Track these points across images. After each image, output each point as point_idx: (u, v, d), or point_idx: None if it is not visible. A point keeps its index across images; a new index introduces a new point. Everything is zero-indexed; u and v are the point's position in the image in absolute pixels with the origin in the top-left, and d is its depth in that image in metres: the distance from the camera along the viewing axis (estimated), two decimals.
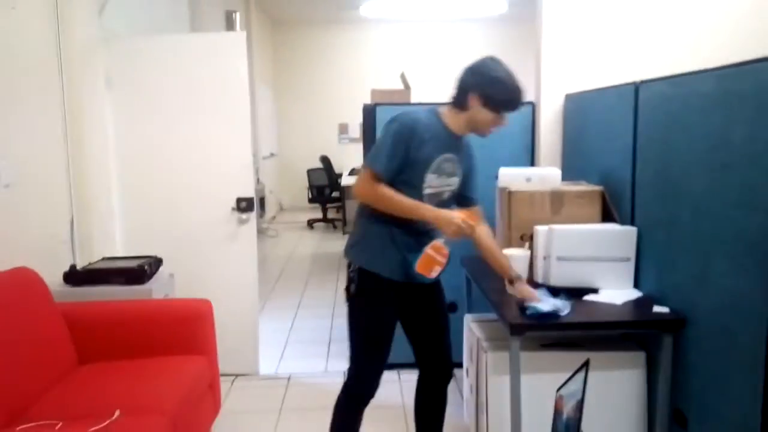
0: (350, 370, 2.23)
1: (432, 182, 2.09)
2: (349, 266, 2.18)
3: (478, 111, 2.04)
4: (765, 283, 1.60)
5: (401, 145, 2.02)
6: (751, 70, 1.67)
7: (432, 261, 1.99)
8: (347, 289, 2.19)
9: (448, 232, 1.98)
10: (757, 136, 1.63)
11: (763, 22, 3.10)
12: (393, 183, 2.05)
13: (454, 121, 2.10)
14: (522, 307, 2.08)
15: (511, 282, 2.18)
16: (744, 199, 1.70)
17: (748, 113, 1.67)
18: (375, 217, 2.11)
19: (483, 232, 2.20)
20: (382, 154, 2.03)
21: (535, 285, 2.38)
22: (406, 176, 2.06)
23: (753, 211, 1.65)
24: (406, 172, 2.05)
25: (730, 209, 1.76)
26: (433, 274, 2.01)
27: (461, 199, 2.24)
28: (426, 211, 2.03)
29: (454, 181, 2.17)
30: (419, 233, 2.13)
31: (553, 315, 2.04)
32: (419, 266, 2.00)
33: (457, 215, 2.00)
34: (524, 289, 2.15)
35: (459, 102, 2.07)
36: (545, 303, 2.08)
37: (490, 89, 2.01)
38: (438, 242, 1.99)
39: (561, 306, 2.07)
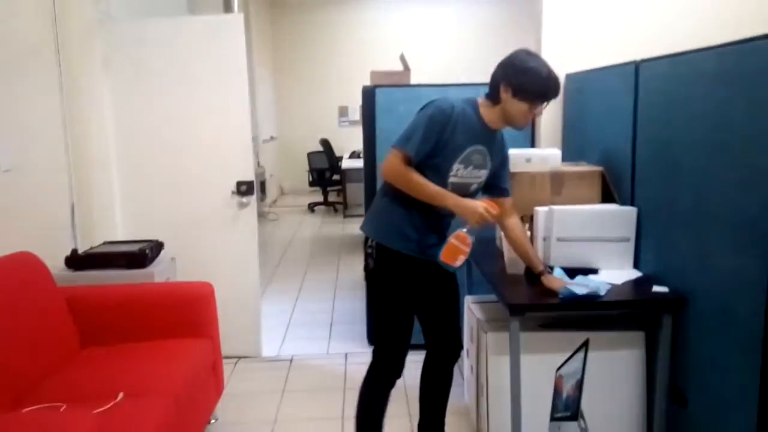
0: (375, 350, 2.24)
1: (458, 172, 2.09)
2: (366, 241, 2.19)
3: (509, 103, 2.03)
4: (764, 262, 1.61)
5: (436, 129, 2.02)
6: (752, 49, 1.65)
7: (456, 250, 2.01)
8: (365, 266, 2.21)
9: (471, 221, 2.00)
10: (758, 115, 1.62)
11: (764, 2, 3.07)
12: (420, 167, 2.06)
13: (489, 114, 2.10)
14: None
15: (540, 275, 2.19)
16: (744, 178, 1.69)
17: (749, 92, 1.66)
18: (397, 197, 2.12)
19: (513, 224, 2.24)
20: (416, 137, 2.03)
21: None
22: (434, 162, 2.06)
23: (753, 191, 1.65)
24: (435, 158, 2.06)
25: (730, 189, 1.76)
26: (458, 264, 2.02)
27: (493, 189, 2.24)
28: (449, 199, 2.04)
29: (483, 174, 2.16)
30: (438, 218, 2.16)
31: (592, 296, 2.06)
32: (444, 255, 2.01)
33: (479, 204, 2.01)
34: (553, 281, 2.16)
35: (492, 95, 2.08)
36: (580, 287, 2.10)
37: (519, 79, 2.00)
38: (461, 232, 2.01)
39: (598, 287, 2.10)
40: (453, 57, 9.33)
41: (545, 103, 2.05)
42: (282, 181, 10.13)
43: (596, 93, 2.82)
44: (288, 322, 4.16)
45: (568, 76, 3.17)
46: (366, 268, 2.22)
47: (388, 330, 2.20)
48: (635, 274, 2.28)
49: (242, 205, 3.41)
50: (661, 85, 2.18)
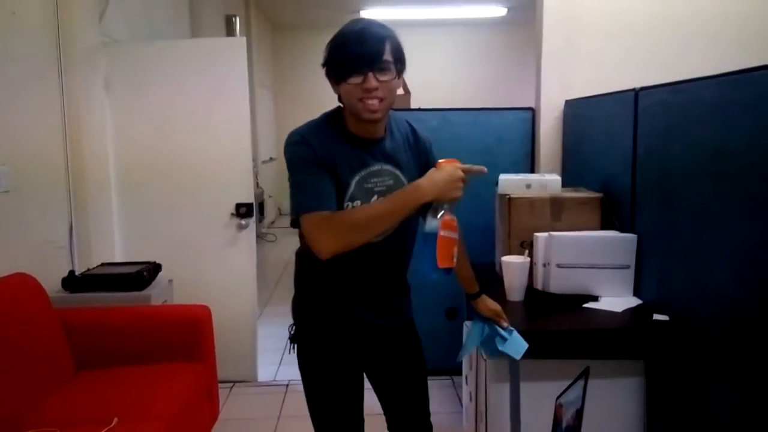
0: None
1: None
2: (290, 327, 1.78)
3: (340, 93, 1.55)
4: (763, 291, 1.60)
5: (310, 167, 1.52)
6: (750, 78, 1.66)
7: (450, 243, 1.52)
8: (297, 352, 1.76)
9: (457, 195, 1.51)
10: (757, 145, 1.63)
11: (763, 30, 3.10)
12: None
13: (350, 120, 1.58)
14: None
15: (475, 297, 1.91)
16: (743, 207, 1.69)
17: (748, 121, 1.66)
18: (313, 270, 1.66)
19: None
20: (301, 193, 1.52)
21: (535, 293, 2.37)
22: None
23: (752, 220, 1.65)
24: None
25: (729, 217, 1.76)
26: (454, 261, 1.54)
27: None
28: (415, 193, 1.49)
29: None
30: (377, 271, 1.66)
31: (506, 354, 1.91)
32: (441, 259, 1.51)
33: (451, 168, 1.52)
34: (488, 304, 1.91)
35: (338, 98, 1.59)
36: (501, 340, 1.91)
37: (325, 59, 1.53)
38: (447, 217, 1.52)
39: (515, 350, 1.90)
40: (453, 82, 9.40)
41: (368, 72, 1.46)
42: (280, 202, 10.13)
43: (596, 120, 2.83)
44: (285, 345, 4.10)
45: (568, 102, 3.19)
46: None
47: (326, 425, 1.73)
48: (635, 301, 2.27)
49: (241, 228, 3.40)
50: (661, 112, 2.19)
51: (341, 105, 1.60)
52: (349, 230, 1.48)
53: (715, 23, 3.14)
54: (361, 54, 1.46)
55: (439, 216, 1.51)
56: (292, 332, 1.75)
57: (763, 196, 1.60)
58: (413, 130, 1.72)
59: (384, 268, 1.68)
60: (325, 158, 1.52)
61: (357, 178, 1.56)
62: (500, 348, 1.91)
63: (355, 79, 1.47)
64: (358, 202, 1.56)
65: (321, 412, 1.72)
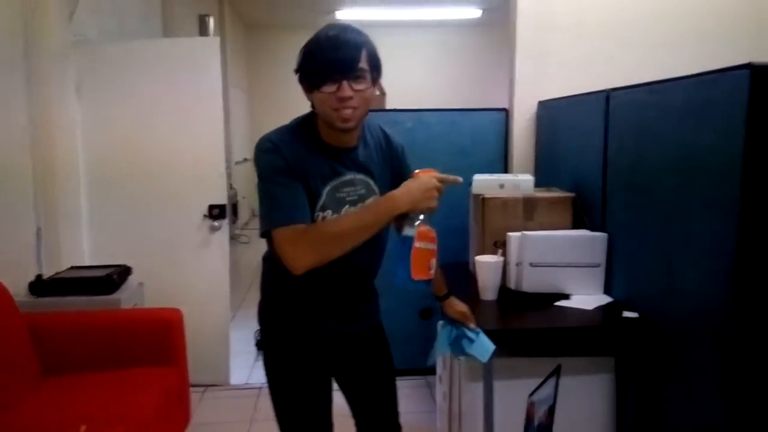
0: None
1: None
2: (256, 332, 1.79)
3: (313, 101, 1.51)
4: (731, 289, 1.63)
5: (281, 176, 1.46)
6: (716, 80, 1.69)
7: (426, 255, 1.48)
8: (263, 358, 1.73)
9: (432, 204, 1.47)
10: (725, 145, 1.65)
11: (732, 31, 3.17)
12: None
13: (323, 129, 1.54)
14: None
15: (443, 299, 1.90)
16: (711, 207, 1.72)
17: (717, 122, 1.69)
18: (280, 276, 1.56)
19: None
20: (272, 205, 1.47)
21: (508, 292, 2.39)
22: None
23: (720, 219, 1.67)
24: None
25: (697, 217, 1.79)
26: (432, 272, 1.50)
27: None
28: (391, 203, 1.46)
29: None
30: (345, 281, 1.64)
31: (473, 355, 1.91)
32: (416, 270, 1.46)
33: (426, 177, 1.48)
34: (456, 305, 1.90)
35: (311, 105, 1.55)
36: (468, 342, 1.91)
37: (298, 67, 1.50)
38: (423, 227, 1.47)
39: (484, 353, 1.90)
40: (428, 83, 9.42)
41: (344, 81, 1.42)
42: (254, 204, 10.04)
43: (568, 120, 2.86)
44: (256, 348, 4.09)
45: (541, 103, 3.22)
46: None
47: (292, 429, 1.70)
48: (606, 299, 2.30)
49: (214, 229, 3.37)
50: (631, 113, 2.22)
51: (313, 112, 1.57)
52: (324, 244, 1.44)
53: (688, 23, 3.19)
54: (335, 61, 1.41)
55: (414, 226, 1.47)
56: (258, 338, 1.72)
57: (730, 196, 1.62)
58: (386, 136, 1.69)
59: (352, 277, 1.65)
60: (296, 167, 1.47)
61: (328, 187, 1.53)
62: (467, 350, 1.91)
63: (329, 88, 1.43)
64: (329, 212, 1.53)
65: (289, 419, 1.69)
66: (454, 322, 1.96)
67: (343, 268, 1.55)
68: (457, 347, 1.95)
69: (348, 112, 1.45)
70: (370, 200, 1.59)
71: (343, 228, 1.47)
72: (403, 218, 1.50)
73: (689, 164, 1.82)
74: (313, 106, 1.53)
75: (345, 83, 1.42)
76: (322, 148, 1.54)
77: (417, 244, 1.46)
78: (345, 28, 1.46)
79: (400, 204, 1.45)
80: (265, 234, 1.50)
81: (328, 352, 1.70)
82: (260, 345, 1.72)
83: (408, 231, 1.48)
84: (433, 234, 1.49)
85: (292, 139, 1.52)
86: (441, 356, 2.09)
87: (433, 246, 1.50)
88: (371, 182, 1.61)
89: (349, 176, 1.56)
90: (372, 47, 1.48)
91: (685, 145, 1.84)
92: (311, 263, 1.44)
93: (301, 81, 1.50)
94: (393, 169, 1.68)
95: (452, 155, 3.32)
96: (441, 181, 1.49)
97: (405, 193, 1.46)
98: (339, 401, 1.80)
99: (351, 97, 1.43)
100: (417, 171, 1.53)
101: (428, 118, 3.42)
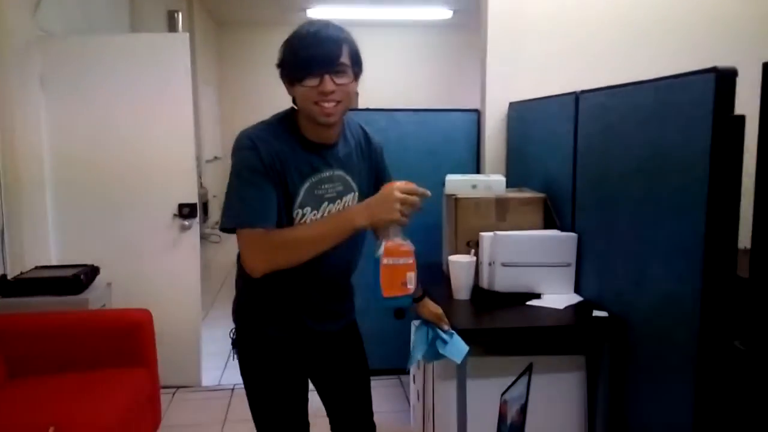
0: None
1: (310, 218, 1.54)
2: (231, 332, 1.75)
3: (294, 95, 1.51)
4: (697, 287, 1.67)
5: (255, 176, 1.46)
6: (683, 83, 1.73)
7: (397, 271, 1.42)
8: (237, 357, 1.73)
9: (394, 218, 1.40)
10: (688, 146, 1.70)
11: (697, 36, 3.24)
12: None
13: (304, 124, 1.54)
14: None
15: (418, 300, 1.88)
16: (677, 205, 1.76)
17: (682, 123, 1.73)
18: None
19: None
20: (238, 203, 1.47)
21: (481, 291, 2.41)
22: None
23: (686, 217, 1.72)
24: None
25: (664, 215, 1.83)
26: (411, 287, 1.44)
27: None
28: (347, 216, 1.46)
29: (350, 201, 1.61)
30: (322, 281, 1.62)
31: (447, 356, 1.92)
32: (386, 288, 1.41)
33: (388, 189, 1.42)
34: (431, 307, 1.90)
35: (292, 100, 1.55)
36: (442, 343, 1.92)
37: (280, 63, 1.51)
38: (391, 241, 1.42)
39: (458, 353, 1.91)
40: (401, 82, 9.43)
41: (324, 74, 1.43)
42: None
43: (538, 122, 2.90)
44: (229, 349, 4.04)
45: (512, 105, 3.25)
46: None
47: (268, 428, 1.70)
48: (576, 298, 2.33)
49: (184, 228, 3.32)
50: (600, 115, 2.26)
51: (294, 107, 1.56)
52: (278, 252, 1.45)
53: (659, 25, 3.26)
54: (317, 56, 1.42)
55: (379, 244, 1.42)
56: (233, 337, 1.71)
57: (696, 196, 1.67)
58: (366, 135, 1.70)
59: (329, 276, 1.64)
60: (273, 165, 1.47)
61: (307, 184, 1.53)
62: (441, 351, 1.92)
63: (311, 82, 1.44)
64: (308, 209, 1.53)
65: (266, 418, 1.69)
66: (428, 323, 1.97)
67: (320, 267, 1.54)
68: (431, 351, 1.95)
69: (330, 105, 1.45)
70: (347, 197, 1.60)
71: (300, 238, 1.47)
72: (382, 231, 1.47)
73: (657, 165, 1.86)
74: (294, 101, 1.53)
75: (327, 77, 1.43)
76: (303, 144, 1.53)
77: (384, 261, 1.41)
78: (326, 24, 1.47)
79: (357, 219, 1.44)
80: (226, 229, 1.50)
81: (304, 351, 1.69)
82: (235, 343, 1.71)
83: (377, 247, 1.44)
84: (406, 248, 1.43)
85: (272, 135, 1.51)
86: (419, 359, 2.09)
87: (407, 260, 1.43)
88: (350, 179, 1.61)
89: (328, 173, 1.56)
90: (353, 43, 1.50)
91: (653, 146, 1.89)
92: (266, 269, 1.46)
93: (283, 76, 1.50)
94: (371, 168, 1.69)
95: (424, 155, 3.34)
96: (407, 193, 1.41)
97: (363, 208, 1.45)
98: (315, 401, 1.80)
99: (333, 91, 1.44)
100: (390, 183, 1.46)
101: (401, 117, 3.43)
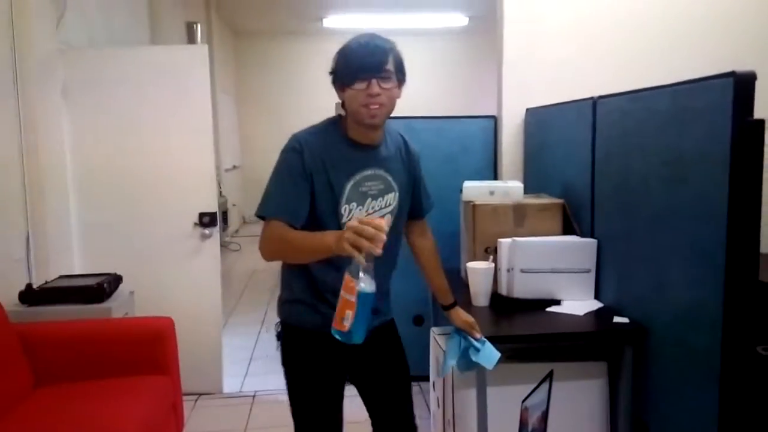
0: None
1: (352, 214, 1.68)
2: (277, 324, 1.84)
3: (344, 99, 1.66)
4: (719, 292, 1.65)
5: (294, 177, 1.63)
6: (701, 88, 1.73)
7: (343, 304, 1.40)
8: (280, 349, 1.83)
9: (346, 253, 1.39)
10: (708, 151, 1.69)
11: (714, 41, 3.22)
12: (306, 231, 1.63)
13: (350, 126, 1.70)
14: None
15: (450, 308, 1.98)
16: (697, 211, 1.75)
17: (701, 128, 1.73)
18: (299, 270, 1.74)
19: (424, 246, 1.97)
20: (272, 195, 1.64)
21: (500, 298, 2.41)
22: (317, 217, 1.65)
23: (706, 223, 1.70)
24: (316, 211, 1.65)
25: (684, 221, 1.82)
26: (346, 324, 1.39)
27: (412, 211, 1.88)
28: (324, 239, 1.50)
29: (391, 198, 1.75)
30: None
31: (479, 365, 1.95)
32: (336, 319, 1.41)
33: (349, 225, 1.40)
34: (462, 315, 1.98)
35: (341, 104, 1.70)
36: (479, 354, 1.94)
37: (332, 68, 1.68)
38: (347, 277, 1.40)
39: (485, 360, 1.93)
40: (416, 90, 9.38)
41: (372, 79, 1.58)
42: (244, 211, 10.03)
43: (556, 127, 2.89)
44: (250, 356, 4.08)
45: (529, 110, 3.25)
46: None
47: (308, 424, 1.80)
48: (596, 305, 2.32)
49: (204, 237, 3.36)
50: (618, 120, 2.25)
51: (340, 115, 1.73)
52: (276, 245, 1.62)
53: (676, 29, 3.24)
54: (366, 63, 1.59)
55: (346, 273, 1.40)
56: (278, 330, 1.81)
57: (716, 201, 1.65)
58: (405, 142, 1.85)
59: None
60: (315, 167, 1.63)
61: (352, 182, 1.67)
62: (474, 359, 1.94)
63: (360, 85, 1.60)
64: (354, 204, 1.68)
65: (302, 413, 1.79)
66: (461, 332, 1.99)
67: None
68: (463, 360, 1.97)
69: (376, 107, 1.61)
70: (389, 196, 1.75)
71: (288, 241, 1.60)
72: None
73: (676, 170, 1.85)
74: (343, 105, 1.69)
75: (374, 81, 1.59)
76: (349, 145, 1.70)
77: (340, 292, 1.41)
78: (374, 35, 1.66)
79: (330, 242, 1.46)
80: (258, 216, 1.66)
81: (343, 347, 1.63)
82: (280, 336, 1.81)
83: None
84: (352, 285, 1.38)
85: (320, 137, 1.69)
86: (451, 367, 2.09)
87: (350, 298, 1.38)
88: (390, 179, 1.75)
89: (371, 171, 1.71)
90: (398, 53, 1.67)
91: (672, 151, 1.88)
92: (266, 256, 1.65)
93: (335, 81, 1.68)
94: (410, 172, 1.84)
95: (441, 162, 3.34)
96: (361, 233, 1.35)
97: (338, 234, 1.44)
98: (351, 407, 1.84)
99: (379, 94, 1.60)
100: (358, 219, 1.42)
101: (417, 125, 3.43)
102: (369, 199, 1.70)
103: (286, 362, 1.81)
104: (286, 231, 1.60)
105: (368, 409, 1.91)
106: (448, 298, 1.99)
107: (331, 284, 1.63)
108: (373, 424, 1.92)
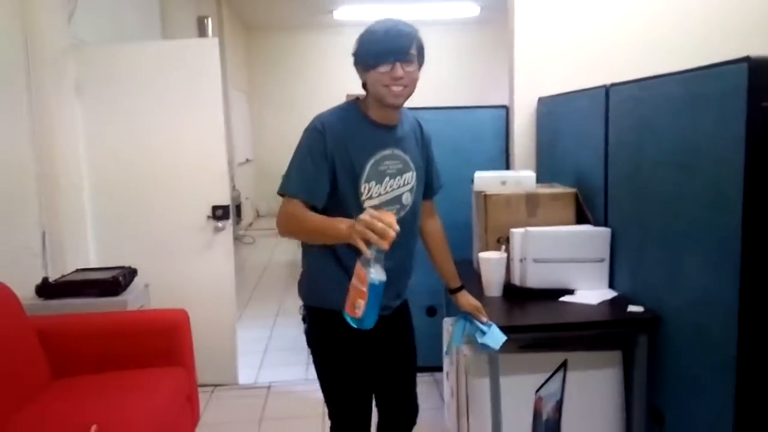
0: (331, 426, 1.92)
1: (373, 192, 1.74)
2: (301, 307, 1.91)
3: (366, 80, 1.73)
4: (734, 279, 1.64)
5: (315, 157, 1.69)
6: (715, 74, 1.70)
7: (355, 293, 1.47)
8: (305, 332, 1.90)
9: (351, 240, 1.48)
10: (722, 137, 1.67)
11: (727, 27, 3.17)
12: (326, 210, 1.70)
13: (373, 108, 1.77)
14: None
15: (456, 291, 2.04)
16: (711, 198, 1.73)
17: (713, 115, 1.71)
18: (313, 247, 1.81)
19: (432, 229, 2.03)
20: (293, 173, 1.71)
21: (513, 288, 2.40)
22: (337, 195, 1.72)
23: (720, 210, 1.69)
24: (336, 190, 1.72)
25: (698, 209, 1.80)
26: (358, 312, 1.46)
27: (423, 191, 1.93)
28: (336, 226, 1.57)
29: (410, 177, 1.82)
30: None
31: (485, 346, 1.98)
32: (348, 305, 1.48)
33: (362, 216, 1.46)
34: (468, 299, 2.04)
35: (363, 84, 1.77)
36: (480, 333, 1.98)
37: (356, 50, 1.73)
38: (358, 266, 1.47)
39: (496, 340, 1.96)
40: (426, 81, 9.37)
41: (396, 62, 1.66)
42: (258, 204, 10.07)
43: (568, 116, 2.87)
44: (265, 348, 4.11)
45: (541, 100, 3.23)
46: (306, 333, 1.90)
47: (342, 398, 1.87)
48: (611, 293, 2.31)
49: (218, 230, 3.38)
50: (631, 108, 2.23)
51: (358, 97, 1.80)
52: (287, 228, 1.70)
53: (688, 17, 3.19)
54: (391, 47, 1.67)
55: (357, 262, 1.46)
56: (303, 313, 1.87)
57: (730, 188, 1.64)
58: (419, 125, 1.94)
59: (391, 254, 1.58)
60: (336, 148, 1.70)
61: (372, 161, 1.74)
62: (480, 341, 1.96)
63: (384, 68, 1.67)
64: (373, 183, 1.74)
65: (336, 389, 1.86)
66: (467, 316, 2.01)
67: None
68: (471, 339, 2.01)
69: (399, 89, 1.69)
70: (407, 175, 1.81)
71: (301, 220, 1.67)
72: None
73: (690, 157, 1.84)
74: (365, 86, 1.76)
75: (398, 64, 1.67)
76: (368, 124, 1.77)
77: (353, 280, 1.48)
78: (398, 21, 1.74)
79: (341, 228, 1.54)
80: (280, 194, 1.73)
81: (364, 334, 1.68)
82: (305, 319, 1.86)
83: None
84: (363, 275, 1.43)
85: (341, 118, 1.76)
86: (455, 350, 2.12)
87: (361, 288, 1.44)
88: (408, 159, 1.82)
89: (389, 151, 1.78)
90: (419, 37, 1.75)
91: (686, 138, 1.86)
92: (281, 232, 1.71)
93: (357, 63, 1.74)
94: (423, 153, 1.92)
95: (453, 153, 3.32)
96: (372, 228, 1.41)
97: (349, 222, 1.51)
98: None
99: (402, 77, 1.68)
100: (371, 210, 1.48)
101: (428, 115, 3.37)
102: (387, 178, 1.76)
103: (313, 342, 1.86)
104: (303, 211, 1.68)
105: (372, 385, 1.95)
106: (455, 281, 2.04)
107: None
108: (376, 399, 1.98)
